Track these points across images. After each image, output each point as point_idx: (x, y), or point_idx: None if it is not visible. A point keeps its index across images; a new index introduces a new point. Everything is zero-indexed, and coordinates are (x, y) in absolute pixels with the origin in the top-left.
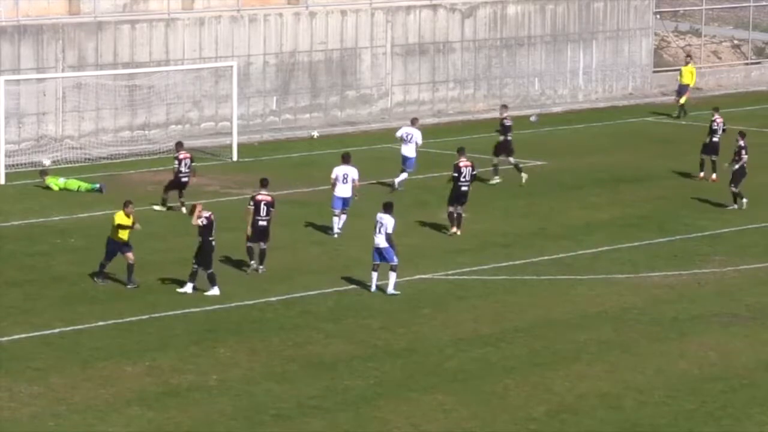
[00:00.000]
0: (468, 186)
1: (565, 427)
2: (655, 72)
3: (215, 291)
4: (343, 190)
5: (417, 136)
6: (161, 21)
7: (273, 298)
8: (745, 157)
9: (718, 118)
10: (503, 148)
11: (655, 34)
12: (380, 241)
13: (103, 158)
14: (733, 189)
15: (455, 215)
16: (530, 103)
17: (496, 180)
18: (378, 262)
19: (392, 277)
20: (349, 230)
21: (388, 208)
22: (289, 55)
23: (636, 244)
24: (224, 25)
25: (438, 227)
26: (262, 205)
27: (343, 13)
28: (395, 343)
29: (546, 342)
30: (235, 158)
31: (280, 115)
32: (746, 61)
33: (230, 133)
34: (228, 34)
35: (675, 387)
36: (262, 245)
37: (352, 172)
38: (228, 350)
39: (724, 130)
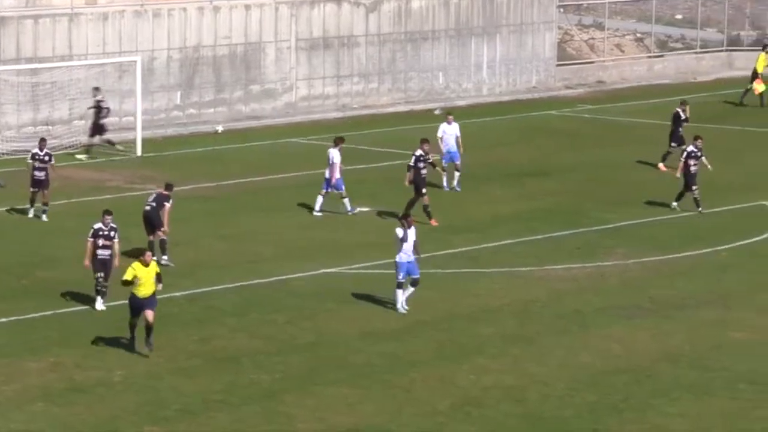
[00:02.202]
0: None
1: (470, 420)
2: (558, 65)
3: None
4: (327, 171)
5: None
6: (64, 16)
7: (177, 293)
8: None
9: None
10: (98, 129)
11: (559, 28)
12: (406, 255)
13: (6, 154)
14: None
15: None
16: (435, 96)
17: (84, 158)
18: (403, 280)
19: (412, 291)
20: (255, 224)
21: (406, 219)
22: (193, 50)
23: (540, 237)
24: (128, 20)
25: (344, 222)
26: (153, 194)
27: (247, 7)
28: (301, 337)
29: (451, 335)
30: (139, 153)
31: (185, 110)
32: (649, 55)
33: (134, 128)
34: (132, 29)
35: (578, 379)
36: (160, 235)
37: (333, 154)
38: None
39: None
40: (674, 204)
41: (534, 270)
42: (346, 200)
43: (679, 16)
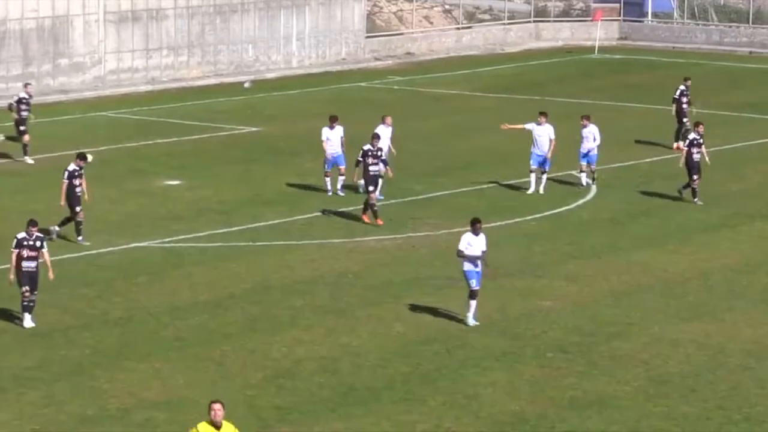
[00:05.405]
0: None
1: (282, 392)
2: (367, 37)
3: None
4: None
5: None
6: None
7: None
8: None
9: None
10: None
11: (367, 0)
12: (472, 264)
13: None
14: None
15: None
16: (244, 69)
17: None
18: (477, 287)
19: (473, 305)
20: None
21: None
22: None
23: (350, 209)
24: None
25: (152, 194)
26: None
27: None
28: (112, 312)
29: (262, 308)
30: None
31: None
32: (457, 26)
33: None
34: None
35: (391, 350)
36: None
37: (326, 133)
38: None
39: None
40: (683, 191)
41: (346, 242)
42: (328, 179)
43: None
